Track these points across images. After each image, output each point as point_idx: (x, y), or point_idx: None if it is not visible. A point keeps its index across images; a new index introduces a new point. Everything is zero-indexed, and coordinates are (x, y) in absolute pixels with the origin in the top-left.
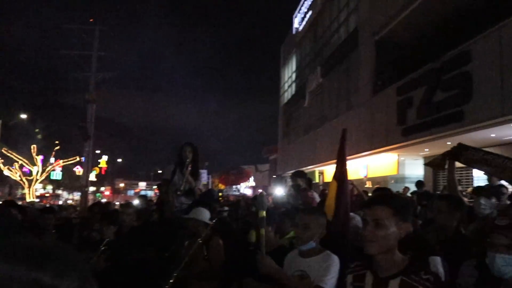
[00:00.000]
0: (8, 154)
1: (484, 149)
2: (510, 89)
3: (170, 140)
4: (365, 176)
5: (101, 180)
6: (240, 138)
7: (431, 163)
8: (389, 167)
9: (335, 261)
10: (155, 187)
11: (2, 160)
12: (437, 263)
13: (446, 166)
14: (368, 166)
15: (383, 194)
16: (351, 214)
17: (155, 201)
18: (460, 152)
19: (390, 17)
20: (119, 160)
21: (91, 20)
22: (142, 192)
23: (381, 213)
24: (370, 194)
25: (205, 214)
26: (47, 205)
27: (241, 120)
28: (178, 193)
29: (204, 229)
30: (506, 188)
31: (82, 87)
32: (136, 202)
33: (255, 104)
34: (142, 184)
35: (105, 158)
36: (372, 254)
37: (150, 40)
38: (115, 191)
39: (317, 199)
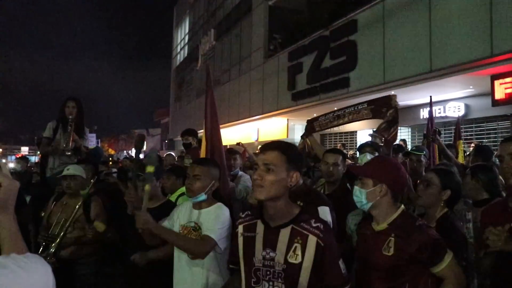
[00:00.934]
0: None
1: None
2: (390, 58)
3: (56, 101)
4: (256, 140)
5: None
6: (131, 102)
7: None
8: (279, 132)
9: (225, 212)
10: (39, 152)
11: None
12: (326, 212)
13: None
14: (259, 130)
15: (276, 141)
16: (241, 172)
17: None
18: (312, 125)
19: None
20: None
21: None
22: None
23: (273, 158)
24: None
25: (80, 171)
26: None
27: (133, 82)
28: (68, 153)
29: (81, 187)
30: None
31: None
32: (11, 165)
33: (148, 66)
34: (25, 149)
35: None
36: (260, 199)
37: None
38: None
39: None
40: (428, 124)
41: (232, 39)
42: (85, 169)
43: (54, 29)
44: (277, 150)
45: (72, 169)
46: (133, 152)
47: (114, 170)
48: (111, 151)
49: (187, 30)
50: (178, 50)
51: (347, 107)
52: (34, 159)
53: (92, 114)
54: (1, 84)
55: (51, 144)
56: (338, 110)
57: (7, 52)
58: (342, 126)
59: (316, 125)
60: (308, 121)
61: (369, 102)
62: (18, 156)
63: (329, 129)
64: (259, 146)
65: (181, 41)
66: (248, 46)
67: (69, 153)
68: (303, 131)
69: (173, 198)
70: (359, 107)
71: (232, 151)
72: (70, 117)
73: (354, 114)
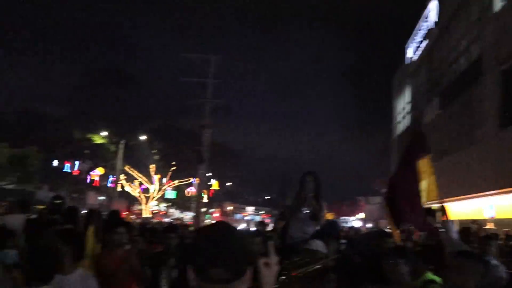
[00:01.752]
0: (130, 172)
1: None
2: None
3: (280, 167)
4: (492, 217)
5: (210, 202)
6: (349, 169)
7: None
8: None
9: None
10: (262, 212)
11: (125, 177)
12: None
13: None
14: (494, 206)
15: None
16: (494, 262)
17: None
18: None
19: None
20: (228, 184)
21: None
22: (249, 217)
23: None
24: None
25: (319, 246)
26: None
27: (350, 150)
28: (306, 212)
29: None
30: None
31: (198, 112)
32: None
33: (365, 134)
34: (250, 209)
35: (213, 181)
36: None
37: (266, 70)
38: (224, 214)
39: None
40: None
41: (459, 107)
42: (326, 242)
43: (280, 103)
44: None
45: (313, 244)
46: (351, 219)
47: (343, 241)
48: (329, 216)
49: (408, 99)
50: (399, 119)
51: None
52: (257, 218)
53: None
54: (234, 152)
55: (293, 212)
56: None
57: (240, 124)
58: None
59: None
60: None
61: None
62: (244, 215)
63: None
64: (489, 223)
65: (402, 109)
66: (478, 114)
67: (306, 211)
68: None
69: (418, 283)
70: None
71: (487, 236)
72: (309, 189)
73: None
